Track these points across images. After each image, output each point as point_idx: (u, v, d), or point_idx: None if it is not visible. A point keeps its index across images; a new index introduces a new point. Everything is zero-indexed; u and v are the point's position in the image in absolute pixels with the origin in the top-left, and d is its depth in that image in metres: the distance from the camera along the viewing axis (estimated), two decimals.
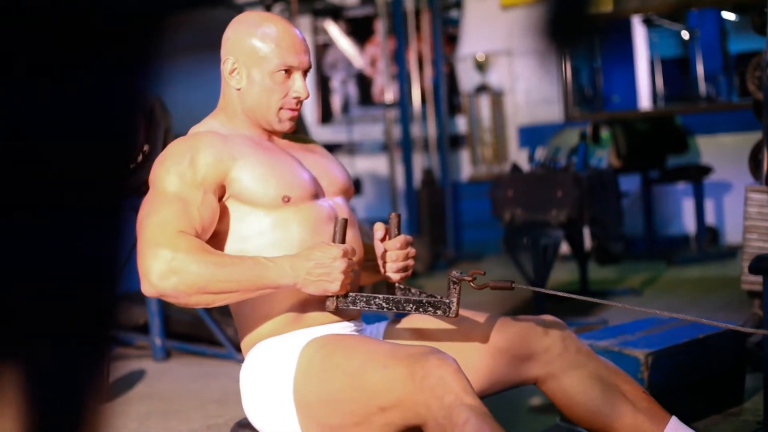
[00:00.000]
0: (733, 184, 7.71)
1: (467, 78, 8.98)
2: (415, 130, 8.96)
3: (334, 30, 9.61)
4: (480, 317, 2.42)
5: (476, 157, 8.94)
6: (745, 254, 4.06)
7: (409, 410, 2.01)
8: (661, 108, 8.38)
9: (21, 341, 1.00)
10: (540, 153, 5.93)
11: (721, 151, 7.73)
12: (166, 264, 2.07)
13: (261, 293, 2.17)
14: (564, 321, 2.48)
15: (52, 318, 0.99)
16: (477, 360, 2.36)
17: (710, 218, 7.93)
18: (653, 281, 6.51)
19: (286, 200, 2.26)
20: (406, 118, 8.62)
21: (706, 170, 7.54)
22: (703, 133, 7.92)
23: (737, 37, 8.08)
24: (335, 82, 9.74)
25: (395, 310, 2.23)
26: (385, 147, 9.21)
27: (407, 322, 2.48)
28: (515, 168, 5.69)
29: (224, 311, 4.56)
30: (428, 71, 8.94)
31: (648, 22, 8.20)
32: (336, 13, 9.63)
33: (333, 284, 2.16)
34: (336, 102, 9.74)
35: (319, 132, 9.50)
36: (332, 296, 2.20)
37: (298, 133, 2.57)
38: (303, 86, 2.33)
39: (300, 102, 2.35)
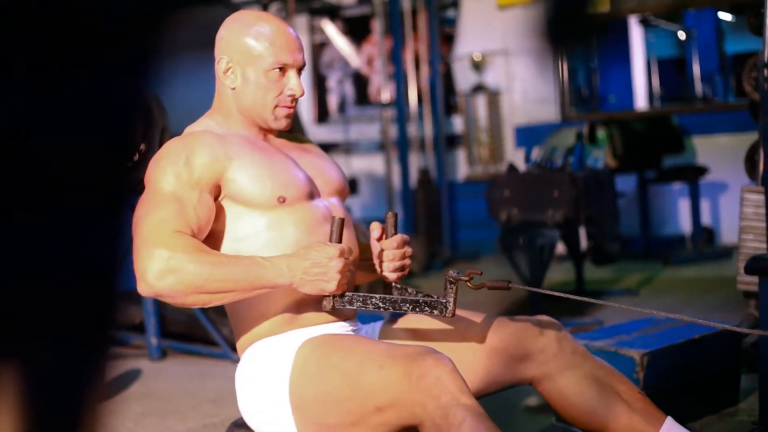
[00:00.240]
0: (729, 184, 7.72)
1: (464, 78, 8.98)
2: (412, 130, 8.96)
3: (330, 29, 9.61)
4: (476, 317, 2.42)
5: (473, 157, 8.94)
6: (740, 254, 4.07)
7: (405, 410, 2.01)
8: (658, 108, 8.39)
9: (20, 341, 1.00)
10: (536, 153, 5.93)
11: (718, 152, 7.74)
12: (163, 263, 2.07)
13: (258, 293, 2.16)
14: (560, 321, 2.48)
15: (51, 318, 0.99)
16: (473, 360, 2.36)
17: (706, 218, 7.93)
18: (649, 281, 6.52)
19: (282, 200, 2.26)
20: (402, 118, 8.63)
21: (702, 170, 7.55)
22: (699, 134, 7.93)
23: (734, 37, 8.09)
24: (332, 82, 9.74)
25: (392, 310, 2.23)
26: (381, 146, 9.21)
27: (403, 322, 2.48)
28: (512, 168, 5.69)
29: (220, 311, 4.56)
30: (425, 71, 8.94)
31: (645, 23, 8.21)
32: (333, 13, 9.63)
33: (329, 284, 2.15)
34: (332, 101, 9.74)
35: (316, 131, 9.49)
36: (329, 296, 2.19)
37: (294, 132, 2.57)
38: (298, 84, 2.33)
39: (295, 100, 2.35)
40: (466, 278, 2.22)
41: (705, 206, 7.92)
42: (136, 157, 4.44)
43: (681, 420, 2.42)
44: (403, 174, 8.66)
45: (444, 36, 9.10)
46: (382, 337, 2.45)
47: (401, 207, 8.73)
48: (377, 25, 9.17)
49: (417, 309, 2.22)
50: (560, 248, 6.80)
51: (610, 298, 5.79)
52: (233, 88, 2.33)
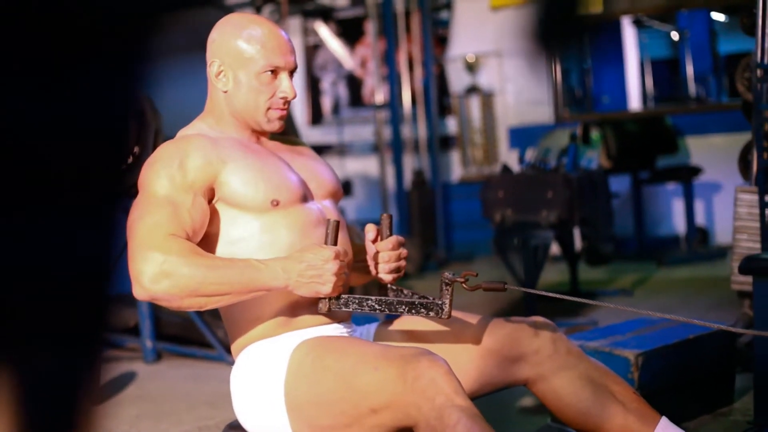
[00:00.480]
0: (722, 184, 7.73)
1: (457, 79, 8.98)
2: (406, 132, 8.96)
3: (324, 31, 9.61)
4: (470, 318, 2.42)
5: (467, 158, 8.94)
6: (735, 254, 4.07)
7: (400, 411, 2.01)
8: (651, 109, 8.40)
9: (15, 342, 1.00)
10: (530, 154, 5.93)
11: (711, 152, 7.75)
12: (158, 267, 2.07)
13: (253, 296, 2.16)
14: (554, 322, 2.49)
15: (46, 319, 0.99)
16: (467, 361, 2.36)
17: (700, 219, 7.94)
18: (643, 282, 6.53)
19: (275, 204, 2.26)
20: (396, 120, 8.63)
21: (696, 171, 7.56)
22: (692, 134, 7.94)
23: (727, 38, 8.11)
24: (325, 84, 9.74)
25: (387, 312, 2.23)
26: (375, 148, 9.21)
27: (398, 324, 2.48)
28: (505, 169, 5.69)
29: (215, 313, 4.56)
30: (418, 72, 8.95)
31: (638, 23, 8.23)
32: (326, 15, 9.63)
33: (325, 286, 2.15)
34: (326, 103, 9.74)
35: (310, 133, 9.49)
36: (324, 298, 2.19)
37: (287, 134, 2.57)
38: (290, 86, 2.34)
39: (287, 102, 2.35)
40: (462, 280, 2.22)
41: (699, 206, 7.93)
42: (130, 160, 4.44)
43: (676, 420, 2.42)
44: (398, 175, 8.66)
45: (437, 37, 9.10)
46: (376, 339, 2.45)
47: (396, 208, 8.73)
48: (370, 27, 9.17)
49: (413, 311, 2.22)
50: (554, 249, 6.80)
51: (605, 299, 5.79)
52: (225, 91, 2.34)
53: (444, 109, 9.14)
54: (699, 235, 7.74)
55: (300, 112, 9.63)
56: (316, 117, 9.76)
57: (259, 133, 2.39)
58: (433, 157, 8.84)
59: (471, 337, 2.39)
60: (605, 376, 2.41)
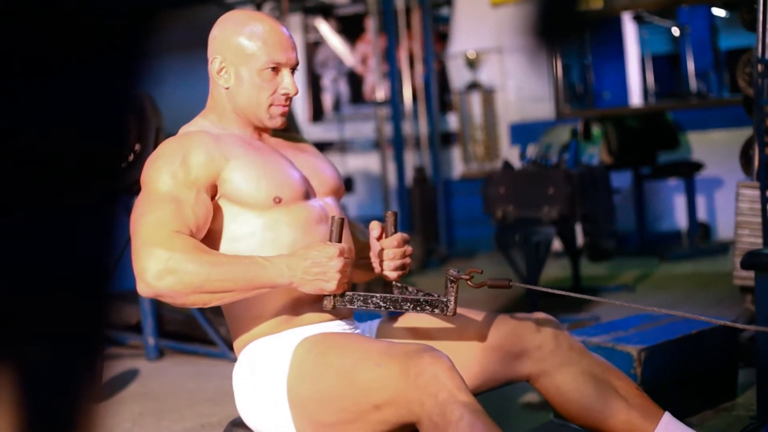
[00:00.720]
0: (724, 180, 7.72)
1: (458, 75, 8.98)
2: (407, 128, 8.96)
3: (324, 28, 9.61)
4: (473, 315, 2.42)
5: (468, 155, 8.94)
6: (736, 250, 4.07)
7: (402, 407, 2.01)
8: (652, 104, 8.39)
9: (15, 341, 1.00)
10: (531, 150, 5.93)
11: (712, 147, 7.74)
12: (162, 264, 2.06)
13: (257, 293, 2.16)
14: (556, 318, 2.48)
15: (46, 318, 0.99)
16: (470, 357, 2.36)
17: (702, 214, 7.94)
18: (645, 277, 6.53)
19: (277, 201, 2.26)
20: (397, 116, 8.62)
21: (698, 166, 7.55)
22: (694, 130, 7.93)
23: (727, 33, 8.09)
24: (326, 81, 9.74)
25: (393, 309, 2.22)
26: (376, 145, 9.21)
27: (400, 320, 2.48)
28: (507, 165, 5.69)
29: (217, 310, 4.56)
30: (419, 69, 8.94)
31: (638, 19, 8.21)
32: (327, 11, 9.62)
33: (329, 283, 2.15)
34: (327, 100, 9.73)
35: (311, 130, 9.49)
36: (329, 295, 2.19)
37: (289, 131, 2.57)
38: (291, 83, 2.33)
39: (289, 98, 2.35)
40: (467, 277, 2.22)
41: (700, 202, 7.92)
42: (131, 157, 4.44)
43: (678, 415, 2.42)
44: (399, 172, 8.65)
45: (438, 34, 9.10)
46: (379, 336, 2.45)
47: (397, 205, 8.72)
48: (371, 24, 9.16)
49: (418, 308, 2.21)
50: (556, 245, 6.80)
51: (607, 295, 5.79)
52: (227, 88, 2.33)
53: (445, 106, 9.13)
54: (701, 230, 7.74)
55: (301, 109, 9.63)
56: (317, 114, 9.76)
57: (261, 130, 2.39)
58: (435, 153, 8.84)
59: (473, 333, 2.39)
60: (608, 371, 2.41)
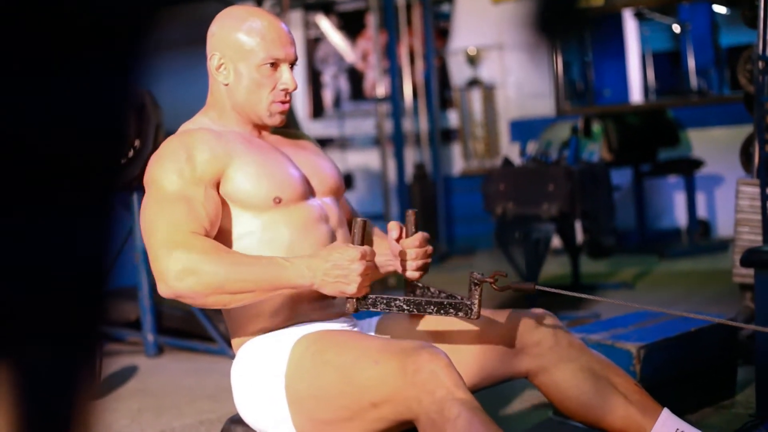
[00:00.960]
0: (724, 177, 7.72)
1: (459, 72, 8.97)
2: (407, 125, 8.95)
3: (325, 24, 9.60)
4: None
5: (468, 152, 8.94)
6: (736, 247, 4.07)
7: (400, 405, 2.01)
8: (653, 101, 8.39)
9: (13, 339, 0.99)
10: (531, 147, 5.93)
11: (713, 145, 7.74)
12: (182, 264, 2.06)
13: (278, 293, 2.16)
14: (556, 315, 2.48)
15: (44, 316, 0.99)
16: (468, 354, 2.36)
17: (702, 211, 7.94)
18: (645, 275, 6.52)
19: (277, 201, 2.25)
20: (397, 113, 8.62)
21: (698, 163, 7.55)
22: (694, 127, 7.93)
23: (728, 30, 8.09)
24: (326, 77, 9.73)
25: (416, 312, 2.20)
26: (376, 141, 9.20)
27: (399, 316, 2.47)
28: (507, 162, 5.69)
29: None
30: (420, 65, 8.94)
31: (639, 16, 8.21)
32: (327, 8, 9.62)
33: (350, 286, 2.13)
34: (327, 96, 9.73)
35: (311, 127, 9.49)
36: (352, 298, 2.17)
37: (289, 127, 2.56)
38: (290, 78, 2.33)
39: (288, 94, 2.34)
40: (491, 280, 2.20)
41: (700, 199, 7.92)
42: (131, 154, 4.43)
43: (677, 412, 2.42)
44: (399, 169, 8.65)
45: (438, 30, 9.09)
46: (378, 332, 2.45)
47: (397, 202, 8.72)
48: (372, 20, 9.15)
49: (442, 311, 2.18)
50: (556, 242, 6.80)
51: (606, 292, 5.79)
52: (226, 84, 2.33)
53: (445, 102, 9.13)
54: (700, 227, 7.74)
55: (301, 105, 9.62)
56: (318, 110, 9.75)
57: (260, 127, 2.38)
58: (435, 150, 8.83)
59: (472, 329, 2.38)
60: (607, 368, 2.41)
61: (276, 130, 2.45)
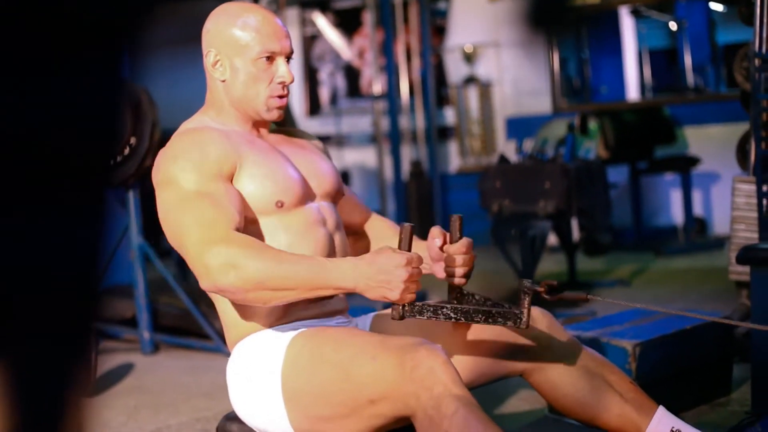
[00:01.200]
0: (720, 174, 7.72)
1: (455, 69, 8.97)
2: (404, 122, 8.95)
3: (321, 22, 9.60)
4: None
5: (464, 149, 8.94)
6: (732, 245, 4.07)
7: (398, 401, 2.01)
8: (649, 99, 8.39)
9: (7, 336, 0.99)
10: (528, 144, 5.94)
11: (709, 142, 7.74)
12: (223, 259, 2.05)
13: (319, 294, 2.13)
14: (552, 312, 2.48)
15: (39, 314, 0.99)
16: (464, 352, 2.36)
17: (698, 209, 7.94)
18: (641, 272, 6.53)
19: (279, 206, 2.24)
20: (394, 110, 8.61)
21: (694, 161, 7.55)
22: (690, 124, 7.93)
23: (725, 28, 8.09)
24: (323, 74, 9.73)
25: (464, 321, 2.16)
26: (373, 139, 9.20)
27: None
28: (503, 159, 5.69)
29: (212, 304, 4.55)
30: (416, 63, 8.94)
31: (636, 13, 8.21)
32: (324, 5, 9.61)
33: (393, 292, 2.08)
34: (324, 94, 9.73)
35: (308, 124, 9.48)
36: (398, 305, 2.12)
37: (285, 125, 2.56)
38: (287, 71, 2.32)
39: (286, 87, 2.33)
40: (542, 289, 2.18)
41: (697, 197, 7.92)
42: (127, 151, 4.43)
43: (673, 410, 2.42)
44: (395, 166, 8.65)
45: (435, 28, 9.08)
46: (373, 329, 2.44)
47: (393, 199, 8.72)
48: (368, 17, 9.15)
49: (490, 320, 2.15)
50: (552, 239, 6.80)
51: (602, 290, 5.79)
52: (223, 81, 2.32)
53: (442, 100, 9.13)
54: (697, 225, 7.74)
55: (298, 102, 9.62)
56: (314, 108, 9.75)
57: (259, 125, 2.37)
58: (431, 147, 8.83)
59: (466, 327, 2.38)
60: (602, 366, 2.41)
61: (275, 129, 2.45)
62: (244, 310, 2.27)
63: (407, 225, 2.16)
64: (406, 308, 2.12)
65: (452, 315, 2.15)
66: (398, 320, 2.14)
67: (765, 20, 3.88)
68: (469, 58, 8.82)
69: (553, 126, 7.29)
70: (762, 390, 2.97)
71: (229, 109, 2.33)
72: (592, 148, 6.88)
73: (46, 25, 0.95)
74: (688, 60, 8.16)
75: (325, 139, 9.36)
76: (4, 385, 0.99)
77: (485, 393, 2.47)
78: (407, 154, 8.95)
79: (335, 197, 2.44)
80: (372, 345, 2.08)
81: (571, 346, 2.40)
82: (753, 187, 3.91)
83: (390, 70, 8.62)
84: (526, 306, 2.15)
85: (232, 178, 2.22)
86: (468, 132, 8.91)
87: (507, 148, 8.23)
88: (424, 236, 2.41)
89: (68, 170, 0.98)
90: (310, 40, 9.72)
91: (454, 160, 9.09)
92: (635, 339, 3.08)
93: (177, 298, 4.88)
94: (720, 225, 7.79)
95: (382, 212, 8.32)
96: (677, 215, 8.04)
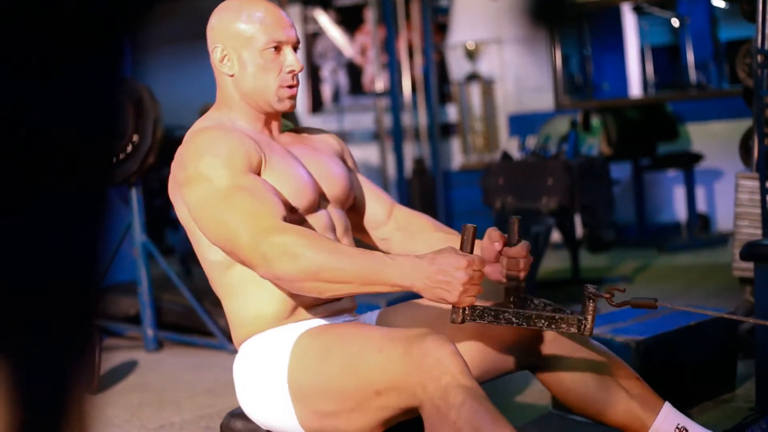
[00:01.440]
0: (723, 171, 7.71)
1: (457, 66, 8.96)
2: (406, 119, 8.95)
3: (323, 19, 9.59)
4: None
5: (467, 146, 8.93)
6: (736, 241, 4.07)
7: (405, 392, 1.99)
8: (652, 95, 8.38)
9: (10, 335, 0.99)
10: (530, 141, 5.93)
11: (712, 139, 7.74)
12: (280, 248, 2.03)
13: (375, 289, 2.08)
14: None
15: (37, 310, 0.99)
16: (471, 347, 2.34)
17: (701, 205, 7.93)
18: (644, 269, 6.52)
19: (292, 211, 2.23)
20: (396, 107, 8.61)
21: (697, 157, 7.55)
22: (693, 121, 7.92)
23: (727, 24, 8.08)
24: (325, 72, 9.72)
25: (525, 326, 2.12)
26: (376, 136, 9.20)
27: (401, 309, 2.46)
28: (506, 156, 5.69)
29: (216, 301, 4.55)
30: (418, 60, 8.93)
31: (638, 10, 8.20)
32: (326, 2, 9.61)
33: (451, 294, 2.03)
34: (326, 91, 9.72)
35: (310, 122, 9.48)
36: (458, 308, 2.07)
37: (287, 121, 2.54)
38: (295, 59, 2.31)
39: (295, 76, 2.32)
40: (608, 295, 2.15)
41: (700, 193, 7.92)
42: (129, 149, 4.43)
43: (677, 407, 2.42)
44: (398, 163, 8.65)
45: (437, 25, 9.08)
46: (379, 324, 2.43)
47: (396, 196, 8.71)
48: (370, 15, 9.15)
49: (552, 326, 2.11)
50: (555, 236, 6.80)
51: (605, 286, 5.79)
52: (232, 75, 2.30)
53: (444, 97, 9.12)
54: (700, 221, 7.74)
55: (300, 100, 9.60)
56: (317, 105, 9.75)
57: (271, 118, 2.35)
58: (434, 144, 8.83)
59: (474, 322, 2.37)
60: (609, 361, 2.41)
61: (286, 129, 2.43)
62: (251, 309, 2.26)
63: (470, 226, 2.11)
64: (467, 312, 2.07)
65: (514, 320, 2.10)
66: (459, 324, 2.09)
67: (767, 16, 3.87)
68: (471, 55, 8.82)
69: (555, 123, 7.29)
70: (766, 386, 2.97)
71: (240, 104, 2.31)
72: (595, 144, 6.88)
73: (47, 23, 0.95)
74: (690, 56, 8.15)
75: None
76: (7, 384, 0.98)
77: (488, 389, 2.46)
78: (410, 151, 8.95)
79: (345, 202, 2.42)
80: (378, 337, 2.07)
81: (577, 341, 2.39)
82: (756, 184, 3.90)
83: (392, 68, 8.61)
84: (591, 312, 2.12)
85: (260, 174, 2.21)
86: (470, 129, 8.90)
87: (510, 145, 8.22)
88: None
89: (69, 169, 0.98)
90: (312, 37, 9.72)
91: (456, 157, 9.09)
92: (639, 335, 3.07)
93: (180, 295, 4.88)
94: (723, 221, 7.78)
95: None
96: (680, 212, 8.04)
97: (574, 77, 8.10)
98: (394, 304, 2.48)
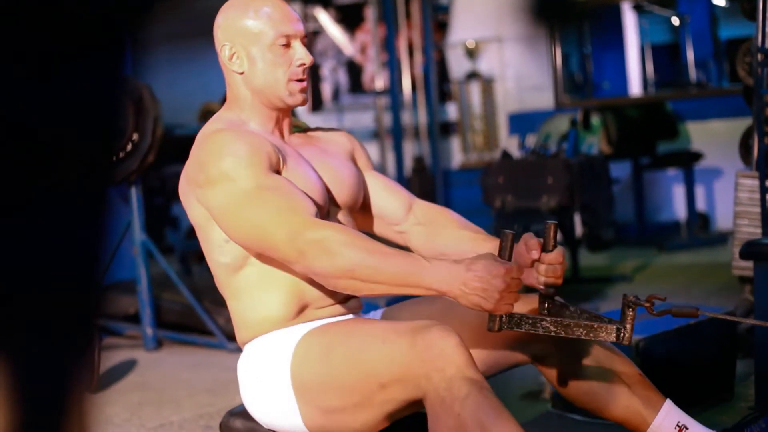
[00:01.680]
0: (723, 169, 7.72)
1: (457, 65, 8.97)
2: (406, 118, 8.95)
3: (323, 17, 9.59)
4: None
5: (467, 145, 8.94)
6: (736, 240, 4.07)
7: (409, 383, 1.98)
8: (652, 94, 8.38)
9: (9, 334, 0.99)
10: (530, 140, 5.93)
11: (712, 137, 7.74)
12: (317, 244, 2.02)
13: (409, 292, 2.06)
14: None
15: (37, 310, 0.99)
16: (474, 341, 2.33)
17: (701, 204, 7.94)
18: (644, 268, 6.52)
19: None
20: (396, 106, 8.61)
21: (697, 156, 7.55)
22: (693, 119, 7.92)
23: (727, 22, 8.08)
24: (325, 70, 9.73)
25: (563, 335, 2.09)
26: (375, 135, 9.20)
27: (405, 306, 2.45)
28: (506, 155, 5.69)
29: (215, 300, 4.56)
30: (418, 58, 8.93)
31: (638, 8, 8.20)
32: (326, 1, 9.61)
33: (487, 302, 2.01)
34: (326, 90, 9.73)
35: (310, 120, 9.47)
36: (495, 316, 2.04)
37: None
38: (305, 52, 2.30)
39: (306, 70, 2.31)
40: (647, 304, 2.13)
41: (699, 192, 7.92)
42: (129, 147, 4.43)
43: (677, 406, 2.42)
44: (398, 162, 8.65)
45: (437, 23, 9.08)
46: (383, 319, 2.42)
47: None
48: (370, 13, 9.15)
49: (591, 334, 2.09)
50: None
51: (605, 285, 5.79)
52: (241, 73, 2.29)
53: (444, 95, 9.13)
54: (700, 220, 7.74)
55: None
56: (316, 104, 9.75)
57: (281, 123, 2.33)
58: (434, 143, 8.83)
59: (477, 317, 2.36)
60: (611, 356, 2.40)
61: (297, 130, 2.42)
62: (257, 311, 2.24)
63: (509, 232, 2.08)
64: (504, 320, 2.04)
65: (552, 328, 2.07)
66: (495, 332, 2.06)
67: (767, 15, 3.87)
68: (471, 53, 8.82)
69: (555, 121, 7.29)
70: (766, 386, 2.97)
71: (251, 102, 2.29)
72: (595, 143, 6.88)
73: (47, 23, 0.95)
74: (690, 55, 8.16)
75: None
76: (7, 384, 0.98)
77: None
78: (410, 149, 8.95)
79: (353, 206, 2.41)
80: (382, 330, 2.06)
81: None
82: (756, 182, 3.90)
83: (392, 66, 8.62)
84: (630, 321, 2.09)
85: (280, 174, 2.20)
86: (470, 128, 8.90)
87: (509, 143, 8.22)
88: None
89: (69, 169, 0.98)
90: (312, 36, 9.72)
91: (456, 155, 9.09)
92: (639, 334, 3.07)
93: (180, 294, 4.88)
94: (723, 220, 7.78)
95: None
96: (680, 210, 8.04)
97: (574, 76, 8.10)
98: (394, 304, 2.47)
